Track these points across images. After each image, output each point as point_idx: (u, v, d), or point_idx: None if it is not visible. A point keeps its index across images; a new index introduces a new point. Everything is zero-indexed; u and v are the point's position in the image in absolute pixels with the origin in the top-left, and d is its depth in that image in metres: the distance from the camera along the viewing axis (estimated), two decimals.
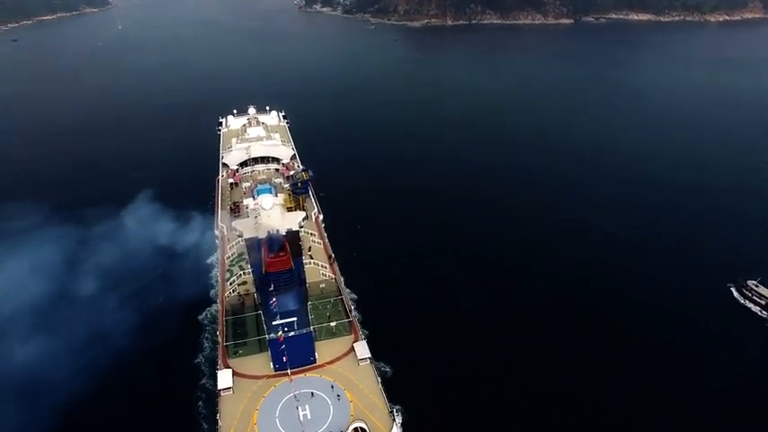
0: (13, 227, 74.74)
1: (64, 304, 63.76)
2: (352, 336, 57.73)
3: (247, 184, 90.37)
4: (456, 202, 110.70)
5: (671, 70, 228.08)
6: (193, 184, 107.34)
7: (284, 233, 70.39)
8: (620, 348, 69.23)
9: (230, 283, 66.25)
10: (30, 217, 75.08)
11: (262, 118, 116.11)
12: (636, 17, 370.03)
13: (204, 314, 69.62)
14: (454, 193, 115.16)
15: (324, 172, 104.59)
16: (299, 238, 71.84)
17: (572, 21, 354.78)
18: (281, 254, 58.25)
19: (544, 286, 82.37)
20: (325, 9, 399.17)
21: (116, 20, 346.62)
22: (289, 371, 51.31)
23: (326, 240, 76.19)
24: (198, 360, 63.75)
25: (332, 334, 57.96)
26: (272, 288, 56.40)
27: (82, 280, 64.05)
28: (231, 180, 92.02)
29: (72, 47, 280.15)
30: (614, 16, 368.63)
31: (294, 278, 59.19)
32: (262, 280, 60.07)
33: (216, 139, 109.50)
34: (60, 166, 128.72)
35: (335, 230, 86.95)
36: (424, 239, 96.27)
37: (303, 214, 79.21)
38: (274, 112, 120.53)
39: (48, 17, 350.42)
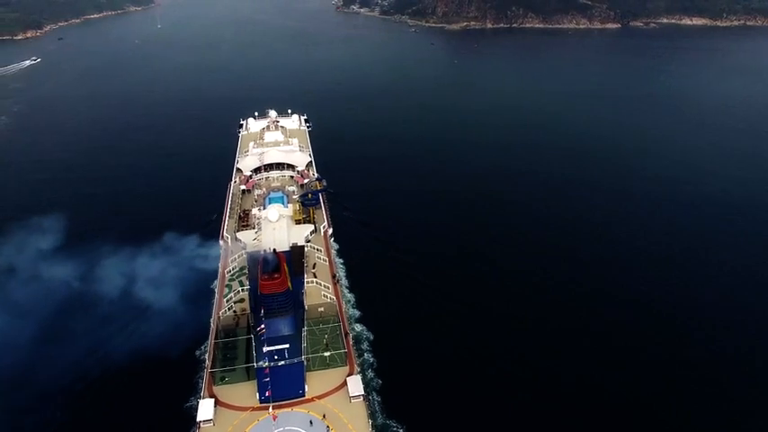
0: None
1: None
2: (347, 368, 53.05)
3: (260, 192, 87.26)
4: (479, 211, 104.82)
5: (728, 79, 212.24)
6: (208, 190, 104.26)
7: (288, 248, 67.53)
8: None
9: (227, 300, 62.68)
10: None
11: (282, 121, 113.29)
12: (690, 22, 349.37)
13: (203, 348, 62.43)
14: (480, 201, 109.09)
15: (341, 178, 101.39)
16: (303, 255, 67.91)
17: (619, 25, 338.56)
18: (276, 275, 54.06)
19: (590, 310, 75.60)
20: (362, 10, 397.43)
21: (156, 18, 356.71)
22: (271, 407, 47.07)
23: (333, 257, 71.96)
24: (190, 403, 54.63)
25: (326, 364, 53.45)
26: (261, 313, 52.30)
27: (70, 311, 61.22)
28: (243, 186, 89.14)
29: (110, 45, 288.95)
30: (665, 21, 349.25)
31: (289, 301, 54.77)
32: (256, 301, 56.26)
33: (234, 141, 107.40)
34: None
35: (345, 241, 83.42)
36: (438, 246, 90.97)
37: (311, 228, 75.11)
38: (296, 116, 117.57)
39: (95, 16, 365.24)
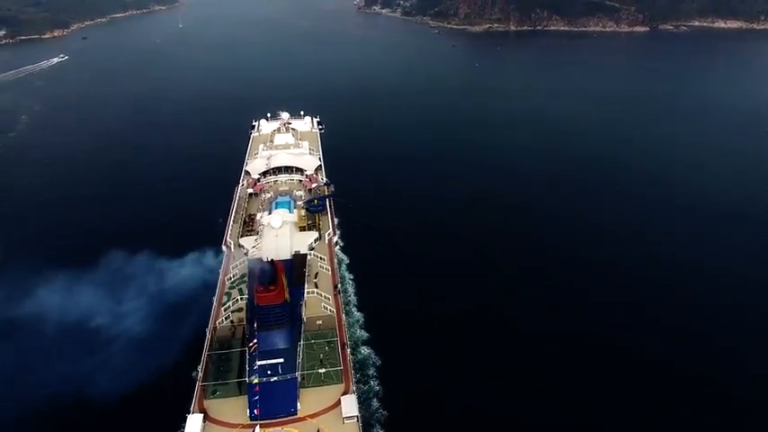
0: None
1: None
2: (343, 385, 50.64)
3: (267, 196, 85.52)
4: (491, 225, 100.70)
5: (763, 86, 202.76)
6: (218, 193, 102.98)
7: (290, 257, 65.49)
8: None
9: (225, 309, 60.92)
10: None
11: (295, 123, 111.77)
12: (723, 25, 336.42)
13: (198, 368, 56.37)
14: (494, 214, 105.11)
15: (352, 183, 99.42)
16: (304, 264, 65.95)
17: (647, 28, 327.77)
18: (272, 287, 51.95)
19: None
20: (384, 11, 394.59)
21: (178, 18, 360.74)
22: (258, 425, 45.01)
23: (336, 266, 69.46)
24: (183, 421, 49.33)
25: (320, 381, 51.16)
26: (255, 326, 50.32)
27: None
28: (251, 190, 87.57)
29: (131, 44, 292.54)
30: (697, 24, 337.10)
31: (285, 314, 52.71)
32: (252, 311, 54.34)
33: (245, 143, 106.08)
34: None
35: (355, 253, 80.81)
36: (453, 257, 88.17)
37: (315, 235, 72.84)
38: (308, 118, 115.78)
39: (120, 15, 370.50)
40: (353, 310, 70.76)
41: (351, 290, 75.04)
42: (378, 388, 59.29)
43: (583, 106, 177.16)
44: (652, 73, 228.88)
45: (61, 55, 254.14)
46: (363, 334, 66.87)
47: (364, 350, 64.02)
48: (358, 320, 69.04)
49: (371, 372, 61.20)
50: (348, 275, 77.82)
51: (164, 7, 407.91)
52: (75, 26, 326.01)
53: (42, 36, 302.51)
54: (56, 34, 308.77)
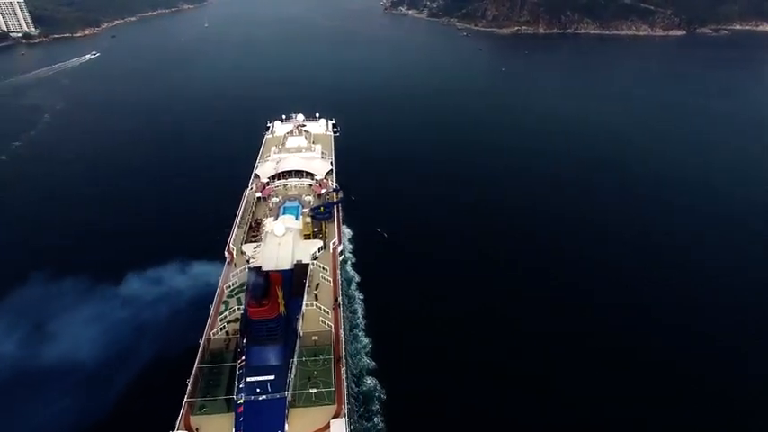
0: None
1: None
2: (335, 407, 47.76)
3: (275, 200, 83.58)
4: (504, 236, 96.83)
5: None
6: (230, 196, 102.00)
7: (291, 266, 63.15)
8: None
9: (221, 319, 58.83)
10: None
11: (309, 126, 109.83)
12: (767, 28, 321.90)
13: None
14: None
15: (364, 189, 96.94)
16: (305, 274, 63.50)
17: (684, 32, 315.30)
18: (264, 302, 49.48)
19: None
20: (410, 12, 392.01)
21: (204, 17, 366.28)
22: None
23: (338, 278, 66.63)
24: None
25: (311, 401, 48.44)
26: (244, 341, 47.97)
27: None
28: (259, 194, 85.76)
29: (156, 42, 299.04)
30: (738, 27, 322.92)
31: (279, 328, 50.06)
32: (245, 324, 52.02)
33: (259, 145, 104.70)
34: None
35: (365, 268, 78.08)
36: (470, 274, 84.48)
37: (320, 244, 70.22)
38: (323, 120, 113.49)
39: (150, 14, 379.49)
40: (360, 334, 67.33)
41: (359, 311, 71.54)
42: (381, 425, 55.47)
43: (603, 111, 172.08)
44: (682, 78, 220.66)
45: (93, 52, 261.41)
46: (370, 362, 63.29)
47: (369, 381, 60.29)
48: (365, 347, 65.42)
49: (376, 407, 57.25)
50: (358, 295, 74.80)
51: (192, 6, 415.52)
52: (106, 25, 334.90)
53: (74, 35, 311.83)
54: (87, 33, 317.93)
